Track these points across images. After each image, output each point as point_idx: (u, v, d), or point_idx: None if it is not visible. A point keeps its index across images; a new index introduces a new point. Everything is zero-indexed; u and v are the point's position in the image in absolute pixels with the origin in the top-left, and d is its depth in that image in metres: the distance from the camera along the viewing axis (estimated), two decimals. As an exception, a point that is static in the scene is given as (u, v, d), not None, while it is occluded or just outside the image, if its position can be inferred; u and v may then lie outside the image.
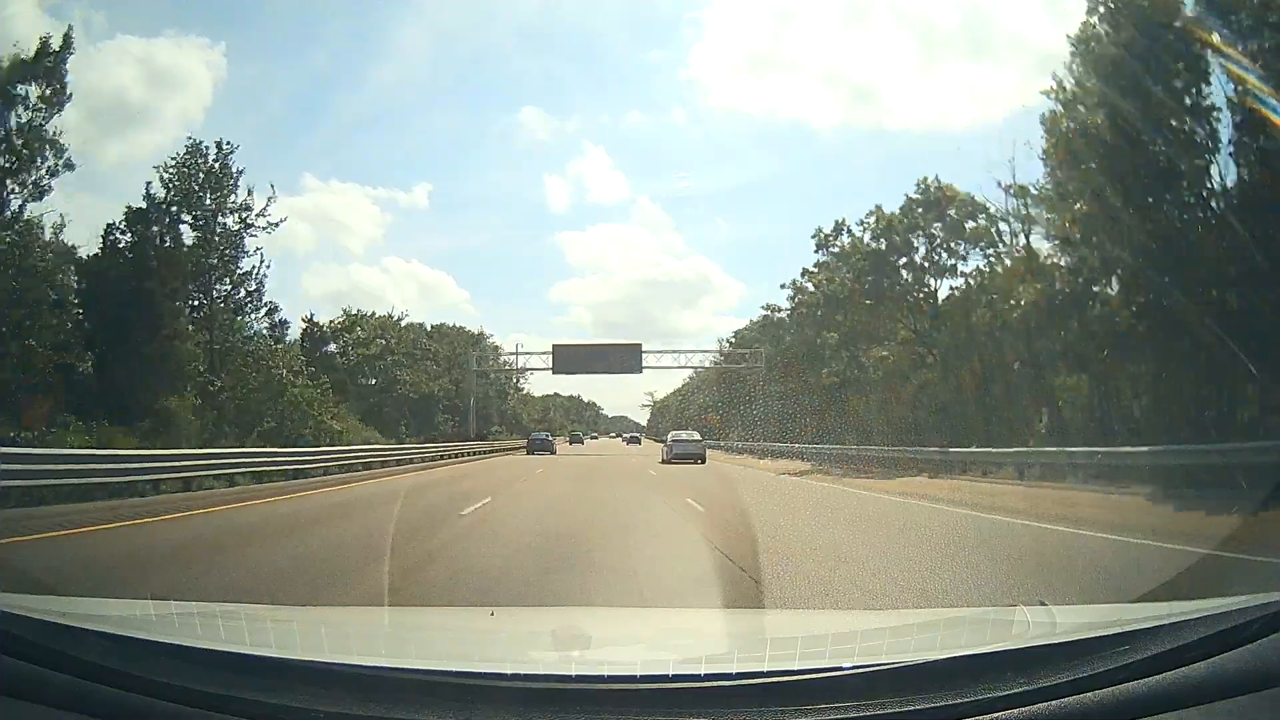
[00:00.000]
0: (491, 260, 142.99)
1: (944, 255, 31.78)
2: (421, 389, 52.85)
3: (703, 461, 34.81)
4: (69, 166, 23.85)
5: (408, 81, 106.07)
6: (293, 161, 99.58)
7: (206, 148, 30.53)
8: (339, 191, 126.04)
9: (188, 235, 30.09)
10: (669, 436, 40.36)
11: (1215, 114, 17.84)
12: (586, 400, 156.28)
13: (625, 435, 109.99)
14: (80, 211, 62.85)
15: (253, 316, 33.42)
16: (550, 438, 61.42)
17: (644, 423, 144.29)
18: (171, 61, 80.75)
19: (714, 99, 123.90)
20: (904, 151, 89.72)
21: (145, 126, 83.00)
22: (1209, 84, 17.80)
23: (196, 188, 30.12)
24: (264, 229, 31.51)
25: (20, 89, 23.27)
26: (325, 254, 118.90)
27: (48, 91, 23.62)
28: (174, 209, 29.59)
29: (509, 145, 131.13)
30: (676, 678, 1.73)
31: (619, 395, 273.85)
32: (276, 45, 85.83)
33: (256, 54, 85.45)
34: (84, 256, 25.80)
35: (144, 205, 27.39)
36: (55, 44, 23.99)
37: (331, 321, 47.89)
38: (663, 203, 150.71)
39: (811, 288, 39.60)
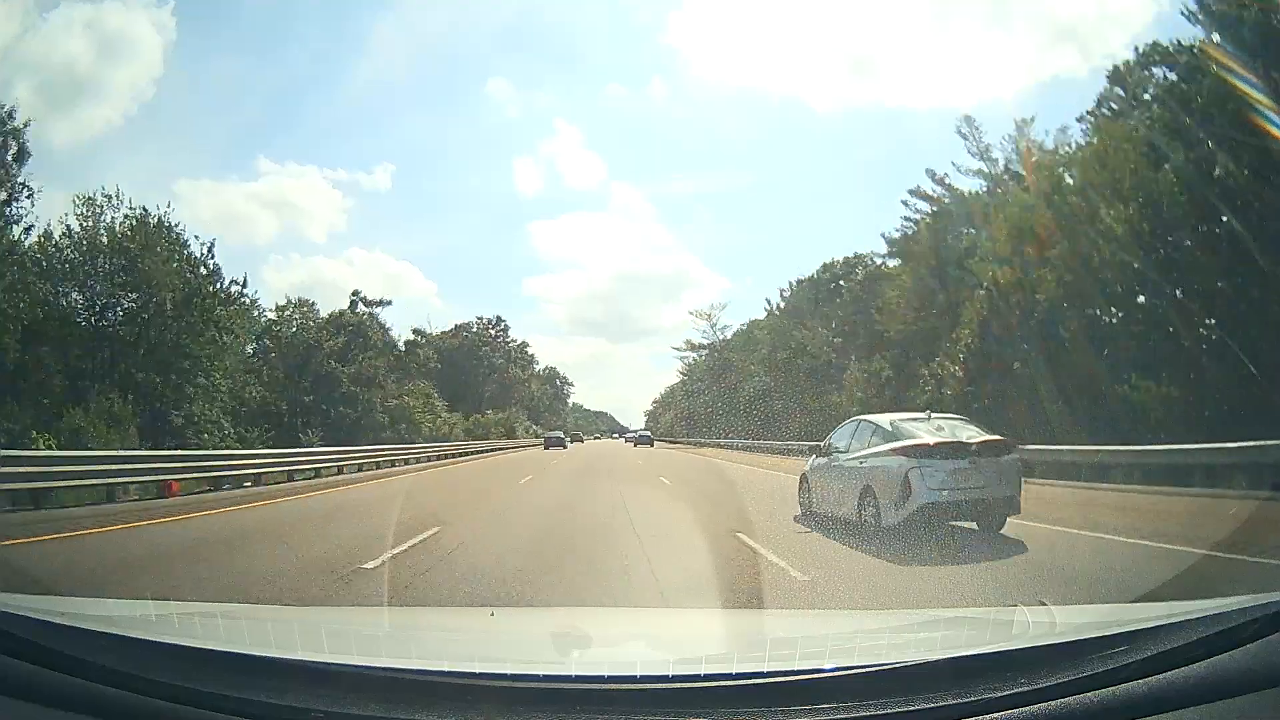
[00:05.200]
0: (461, 251, 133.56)
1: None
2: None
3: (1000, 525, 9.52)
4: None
5: (367, 50, 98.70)
6: (247, 141, 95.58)
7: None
8: (297, 175, 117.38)
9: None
10: (893, 428, 10.11)
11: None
12: (557, 372, 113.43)
13: (629, 435, 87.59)
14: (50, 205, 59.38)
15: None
16: (565, 436, 65.69)
17: (624, 420, 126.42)
18: (119, 25, 76.59)
19: (697, 70, 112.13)
20: (906, 128, 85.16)
21: (95, 100, 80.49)
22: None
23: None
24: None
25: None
26: (286, 244, 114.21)
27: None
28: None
29: (476, 123, 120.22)
30: (676, 678, 1.73)
31: (599, 387, 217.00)
32: (222, 17, 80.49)
33: (204, 22, 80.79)
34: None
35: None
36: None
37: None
38: (643, 189, 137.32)
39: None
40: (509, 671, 1.82)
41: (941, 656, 1.85)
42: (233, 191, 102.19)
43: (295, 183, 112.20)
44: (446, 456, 40.23)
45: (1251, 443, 14.28)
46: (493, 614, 3.71)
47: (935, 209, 36.52)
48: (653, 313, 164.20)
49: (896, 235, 40.87)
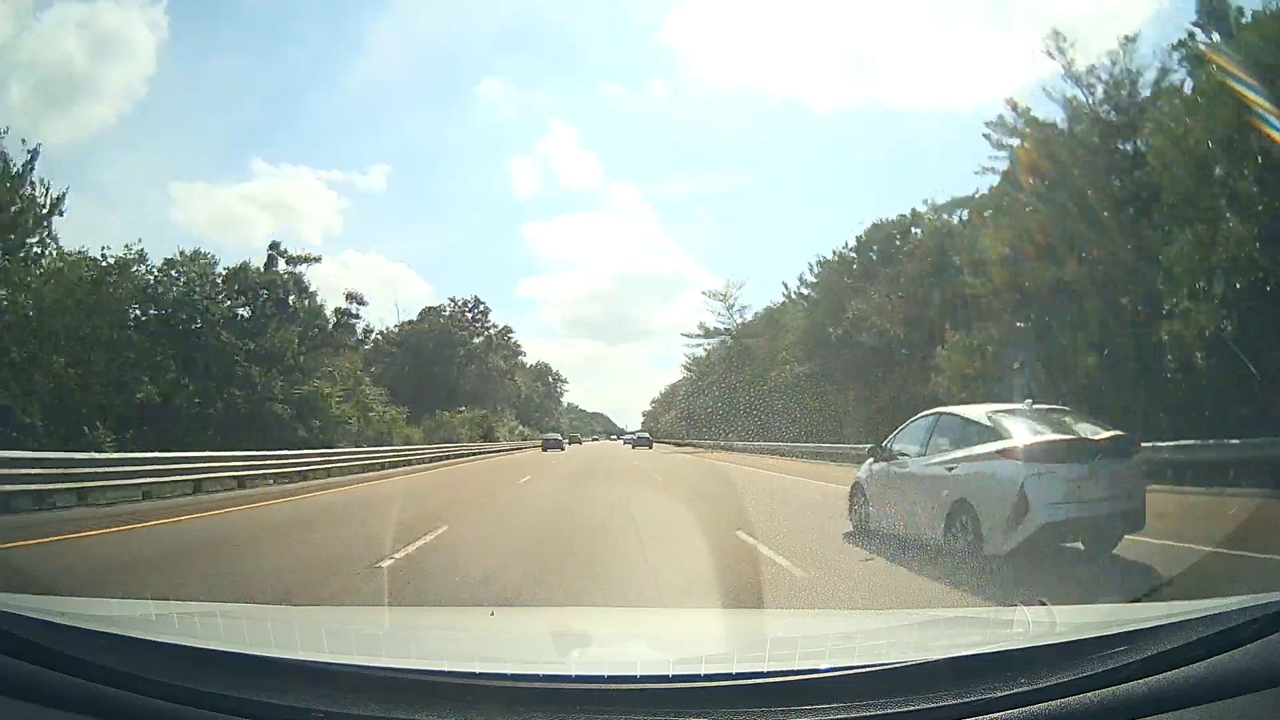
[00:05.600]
0: (457, 252, 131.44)
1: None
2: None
3: (1114, 545, 7.60)
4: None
5: (361, 50, 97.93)
6: (241, 141, 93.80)
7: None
8: (292, 176, 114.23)
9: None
10: (994, 423, 7.87)
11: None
12: (549, 368, 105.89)
13: (626, 436, 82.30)
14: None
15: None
16: (562, 438, 63.09)
17: (621, 421, 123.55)
18: (113, 24, 75.50)
19: (697, 69, 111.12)
20: (906, 128, 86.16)
21: (89, 99, 78.70)
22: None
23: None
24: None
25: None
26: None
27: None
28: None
29: (472, 123, 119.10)
30: (676, 678, 1.73)
31: (596, 389, 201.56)
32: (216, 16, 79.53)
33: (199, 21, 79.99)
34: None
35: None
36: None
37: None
38: (641, 189, 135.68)
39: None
40: (509, 671, 1.82)
41: (941, 656, 1.85)
42: (227, 193, 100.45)
43: (290, 184, 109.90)
44: (376, 466, 29.52)
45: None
46: (493, 614, 3.70)
47: (1041, 134, 26.14)
48: (651, 313, 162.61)
49: (963, 192, 33.40)
